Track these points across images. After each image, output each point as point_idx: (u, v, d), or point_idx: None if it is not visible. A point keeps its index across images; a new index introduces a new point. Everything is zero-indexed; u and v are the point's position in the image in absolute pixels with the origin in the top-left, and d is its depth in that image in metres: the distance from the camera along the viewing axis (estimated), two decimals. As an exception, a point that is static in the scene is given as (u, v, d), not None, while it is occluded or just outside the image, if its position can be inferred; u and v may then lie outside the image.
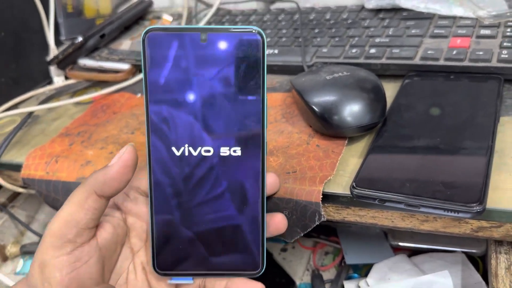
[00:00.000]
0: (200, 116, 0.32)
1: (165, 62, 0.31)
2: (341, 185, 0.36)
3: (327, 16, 0.59)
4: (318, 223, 0.36)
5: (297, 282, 0.50)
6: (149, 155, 0.32)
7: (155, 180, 0.32)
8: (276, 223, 0.34)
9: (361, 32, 0.53)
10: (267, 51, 0.55)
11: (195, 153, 0.32)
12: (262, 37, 0.31)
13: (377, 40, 0.50)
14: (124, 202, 0.34)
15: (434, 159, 0.34)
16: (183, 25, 0.30)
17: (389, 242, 0.48)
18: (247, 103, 0.32)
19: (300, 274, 0.51)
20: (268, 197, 0.36)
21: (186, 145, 0.32)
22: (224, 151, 0.32)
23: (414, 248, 0.46)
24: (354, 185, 0.34)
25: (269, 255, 0.54)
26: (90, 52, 0.62)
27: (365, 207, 0.36)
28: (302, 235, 0.37)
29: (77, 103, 0.58)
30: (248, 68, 0.31)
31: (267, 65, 0.53)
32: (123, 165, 0.31)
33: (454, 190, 0.31)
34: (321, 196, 0.35)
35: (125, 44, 0.64)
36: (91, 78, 0.61)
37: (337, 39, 0.53)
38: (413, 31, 0.50)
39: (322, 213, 0.35)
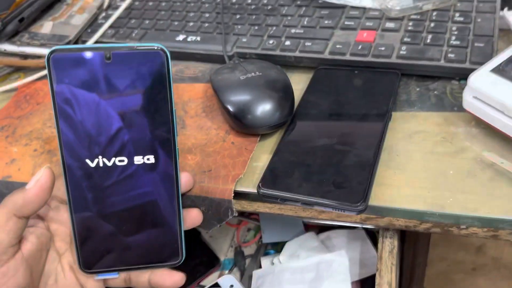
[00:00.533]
0: (111, 129, 0.34)
1: (72, 82, 0.33)
2: (252, 182, 0.40)
3: (249, 0, 0.60)
4: (231, 217, 0.40)
5: (222, 258, 0.55)
6: (64, 169, 0.34)
7: (73, 191, 0.35)
8: (193, 217, 0.38)
9: (279, 21, 0.55)
10: (189, 38, 0.56)
11: (109, 163, 0.35)
12: (165, 53, 0.33)
13: (293, 31, 0.53)
14: (46, 212, 0.37)
15: (329, 159, 0.39)
16: (87, 45, 0.31)
17: (302, 219, 0.53)
18: (156, 115, 0.34)
19: (225, 250, 0.56)
20: (184, 193, 0.40)
21: (100, 157, 0.34)
22: (138, 159, 0.35)
23: (322, 224, 0.52)
24: (260, 185, 0.38)
25: (197, 234, 0.58)
26: (11, 37, 0.60)
27: (272, 202, 0.40)
28: (218, 226, 0.41)
29: (1, 92, 0.58)
30: (154, 83, 0.34)
31: (188, 53, 0.55)
32: (40, 189, 0.33)
33: (341, 190, 0.36)
34: (233, 194, 0.39)
35: (46, 26, 0.62)
36: (13, 64, 0.60)
37: (256, 27, 0.55)
38: (326, 22, 0.53)
39: (234, 209, 0.39)
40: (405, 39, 0.49)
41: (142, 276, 0.38)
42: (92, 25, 0.63)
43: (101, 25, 0.62)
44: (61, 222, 0.37)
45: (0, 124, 0.51)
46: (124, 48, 0.33)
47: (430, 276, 0.51)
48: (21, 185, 0.40)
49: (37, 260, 0.35)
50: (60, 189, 0.37)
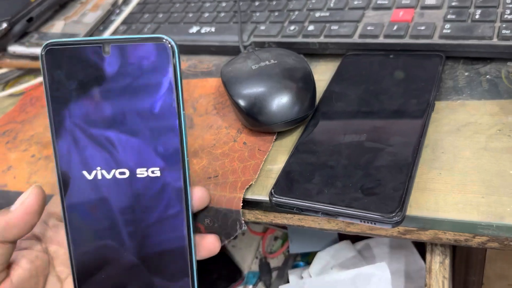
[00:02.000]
0: (111, 136, 0.29)
1: (67, 79, 0.28)
2: (266, 188, 0.34)
3: (270, -15, 0.54)
4: (240, 232, 0.34)
5: (246, 271, 0.49)
6: (60, 182, 0.29)
7: (69, 208, 0.30)
8: (208, 244, 0.32)
9: (302, 5, 0.49)
10: (203, 29, 0.51)
11: (108, 176, 0.29)
12: (171, 45, 0.28)
13: (317, 14, 0.47)
14: (43, 231, 0.32)
15: (357, 160, 0.32)
16: (84, 37, 0.27)
17: (331, 230, 0.46)
18: (161, 118, 0.29)
19: (249, 262, 0.50)
20: (198, 212, 0.34)
21: (98, 168, 0.29)
22: (141, 172, 0.29)
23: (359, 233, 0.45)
24: (272, 192, 0.32)
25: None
26: (19, 38, 0.57)
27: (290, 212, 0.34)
28: (226, 242, 0.35)
29: (10, 95, 0.55)
30: (159, 81, 0.28)
31: (202, 45, 0.50)
32: (25, 212, 0.29)
33: (372, 197, 0.29)
34: (241, 204, 0.33)
35: (58, 25, 0.59)
36: (22, 66, 0.57)
37: (276, 13, 0.49)
38: (356, 2, 0.46)
39: (243, 221, 0.33)
40: (449, 16, 0.41)
41: None
42: (104, 22, 0.59)
43: (113, 21, 0.58)
44: (61, 243, 0.32)
45: (3, 129, 0.48)
46: (124, 40, 0.28)
47: (487, 297, 0.43)
48: (17, 194, 0.36)
49: (32, 285, 0.30)
50: (58, 205, 0.33)
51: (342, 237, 0.48)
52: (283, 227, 0.52)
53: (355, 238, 0.47)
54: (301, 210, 0.31)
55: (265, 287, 0.47)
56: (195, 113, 0.42)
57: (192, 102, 0.44)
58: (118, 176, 0.29)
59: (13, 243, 0.30)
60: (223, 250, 0.53)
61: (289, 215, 0.34)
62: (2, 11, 0.58)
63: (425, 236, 0.31)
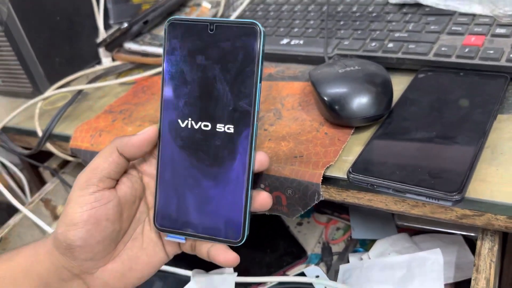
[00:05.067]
0: (203, 95, 0.37)
1: (180, 46, 0.37)
2: (342, 170, 0.40)
3: (354, 9, 0.61)
4: (317, 202, 0.40)
5: (309, 253, 0.55)
6: (160, 126, 0.38)
7: (163, 146, 0.38)
8: (261, 200, 0.38)
9: (383, 26, 0.55)
10: (293, 42, 0.59)
11: (196, 126, 0.37)
12: (259, 29, 0.35)
13: (397, 34, 0.53)
14: (141, 164, 0.40)
15: (426, 150, 0.38)
16: (196, 17, 0.37)
17: (395, 222, 0.51)
18: (241, 87, 0.36)
19: (312, 246, 0.56)
20: (259, 174, 0.41)
21: (189, 119, 0.37)
22: (220, 127, 0.37)
23: (417, 229, 0.50)
24: (350, 171, 0.38)
25: (286, 227, 0.59)
26: (135, 37, 0.68)
27: (362, 191, 0.40)
28: (302, 212, 0.42)
29: (122, 83, 0.65)
30: (246, 56, 0.36)
31: (291, 55, 0.57)
32: (143, 138, 0.37)
33: (437, 179, 0.35)
34: (322, 178, 0.40)
35: (166, 30, 0.69)
36: (135, 60, 0.67)
37: (359, 32, 0.56)
38: (432, 27, 0.52)
39: (321, 193, 0.40)
40: (518, 44, 0.46)
41: (204, 246, 0.39)
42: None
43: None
44: (153, 176, 0.40)
45: (119, 108, 0.58)
46: (225, 22, 0.36)
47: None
48: (131, 159, 0.45)
49: (130, 203, 0.39)
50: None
51: (400, 231, 0.53)
52: (346, 219, 0.58)
53: (412, 234, 0.52)
54: (374, 187, 0.37)
55: (326, 267, 0.53)
56: (283, 108, 0.50)
57: (281, 99, 0.51)
58: (202, 127, 0.37)
59: (127, 160, 0.38)
60: (290, 233, 0.59)
61: (360, 195, 0.40)
62: (125, 13, 0.69)
63: (479, 221, 0.36)
